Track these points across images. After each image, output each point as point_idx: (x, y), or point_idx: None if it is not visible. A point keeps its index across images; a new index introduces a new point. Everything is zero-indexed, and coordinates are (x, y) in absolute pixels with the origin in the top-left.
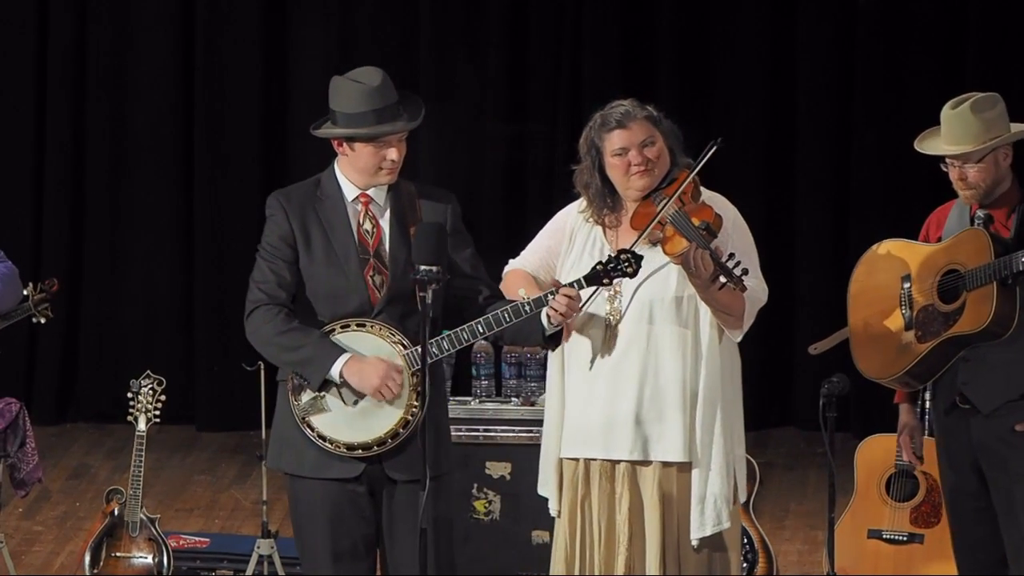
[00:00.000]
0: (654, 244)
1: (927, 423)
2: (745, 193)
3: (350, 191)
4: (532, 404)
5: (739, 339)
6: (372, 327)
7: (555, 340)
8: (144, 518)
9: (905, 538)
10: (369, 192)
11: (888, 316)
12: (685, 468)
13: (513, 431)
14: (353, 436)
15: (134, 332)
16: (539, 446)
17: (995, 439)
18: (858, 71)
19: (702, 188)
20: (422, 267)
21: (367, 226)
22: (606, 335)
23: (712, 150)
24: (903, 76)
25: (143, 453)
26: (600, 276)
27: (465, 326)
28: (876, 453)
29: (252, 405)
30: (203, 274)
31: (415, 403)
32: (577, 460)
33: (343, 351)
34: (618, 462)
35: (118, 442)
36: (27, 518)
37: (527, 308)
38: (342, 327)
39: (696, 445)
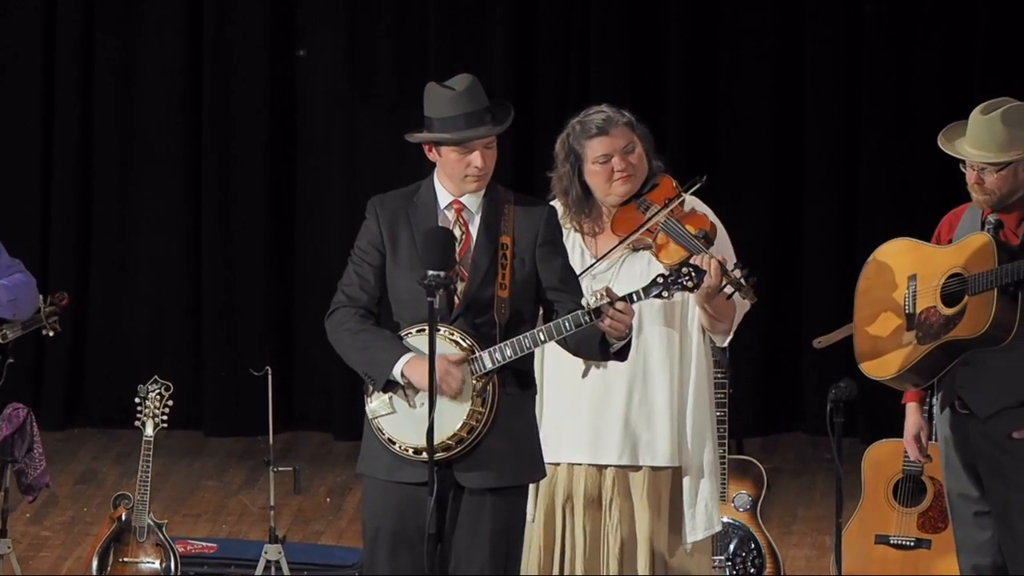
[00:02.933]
0: (636, 250)
1: (933, 427)
2: (753, 195)
3: (444, 198)
4: None
5: (725, 343)
6: (445, 331)
7: (621, 354)
8: (151, 523)
9: (912, 543)
10: (463, 199)
11: (892, 315)
12: (673, 473)
13: None
14: (418, 439)
15: (141, 337)
16: None
17: (992, 445)
18: (865, 73)
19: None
20: (429, 272)
21: (456, 232)
22: None
23: (692, 188)
24: (910, 78)
25: (150, 458)
26: (660, 288)
27: (527, 334)
28: (883, 458)
29: (260, 410)
30: (211, 278)
31: (480, 408)
32: (558, 464)
33: (406, 351)
34: (606, 467)
35: (125, 447)
36: (34, 523)
37: (585, 318)
38: (417, 331)
39: (687, 449)
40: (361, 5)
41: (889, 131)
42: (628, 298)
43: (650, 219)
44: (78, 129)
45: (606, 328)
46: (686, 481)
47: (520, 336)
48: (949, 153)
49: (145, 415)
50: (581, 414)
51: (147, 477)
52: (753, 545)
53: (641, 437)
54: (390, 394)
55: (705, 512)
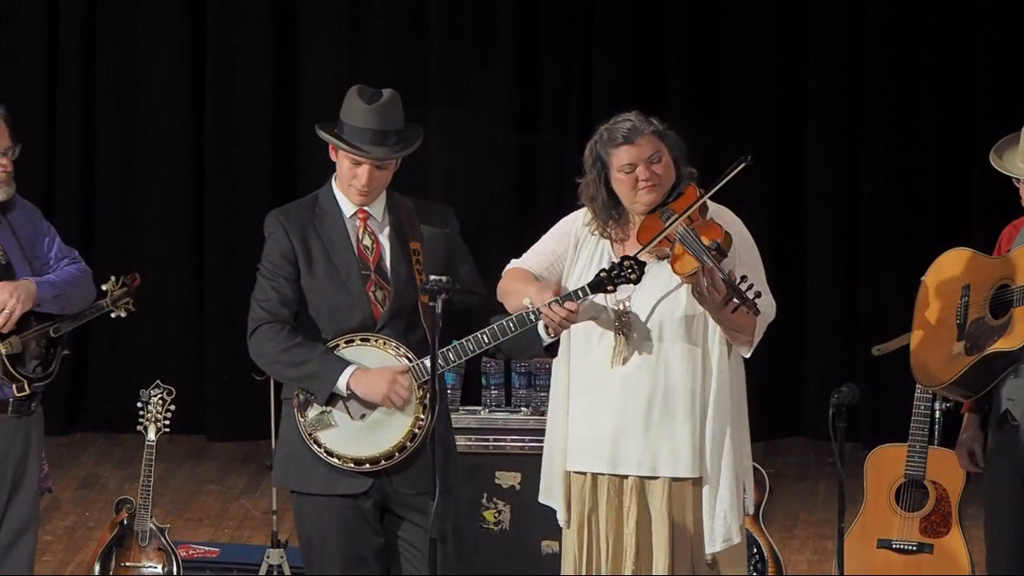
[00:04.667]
0: (661, 259)
1: (936, 433)
2: (755, 204)
3: (348, 207)
4: (542, 414)
5: (748, 355)
6: (376, 341)
7: (553, 350)
8: (154, 528)
9: (915, 548)
10: (367, 208)
11: (945, 325)
12: (694, 483)
13: (523, 441)
14: (360, 450)
15: (144, 341)
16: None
17: None
18: (868, 81)
19: (708, 201)
20: (432, 276)
21: (366, 242)
22: (615, 350)
23: (735, 171)
24: (913, 86)
25: (153, 463)
26: (604, 283)
27: (471, 336)
28: (886, 463)
29: (262, 415)
30: (213, 283)
31: (422, 416)
32: (584, 474)
33: (348, 363)
34: (626, 477)
35: (128, 452)
36: None
37: (532, 317)
38: (346, 342)
39: (706, 461)
40: (364, 8)
41: (892, 136)
42: (574, 295)
43: (667, 228)
44: (80, 135)
45: (547, 323)
46: (705, 491)
47: (463, 340)
48: (1000, 171)
49: (147, 419)
50: (603, 425)
51: (149, 481)
52: (755, 549)
53: (661, 448)
54: (330, 407)
55: (724, 524)
